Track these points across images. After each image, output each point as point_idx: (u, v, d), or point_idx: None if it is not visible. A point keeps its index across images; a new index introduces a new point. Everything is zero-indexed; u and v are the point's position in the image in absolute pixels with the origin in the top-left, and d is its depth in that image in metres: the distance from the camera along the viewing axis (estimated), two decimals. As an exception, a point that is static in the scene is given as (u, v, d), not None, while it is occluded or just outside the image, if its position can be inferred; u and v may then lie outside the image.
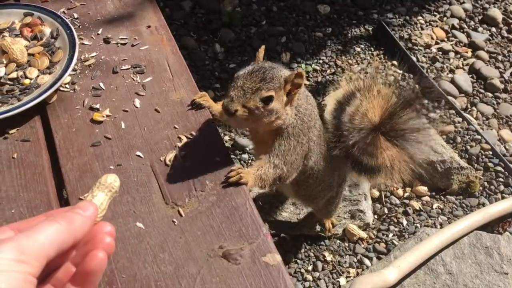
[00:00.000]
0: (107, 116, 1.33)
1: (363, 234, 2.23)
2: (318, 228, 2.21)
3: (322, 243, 2.21)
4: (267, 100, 1.24)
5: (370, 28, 3.23)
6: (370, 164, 1.62)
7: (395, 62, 3.02)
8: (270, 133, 1.35)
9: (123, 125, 1.31)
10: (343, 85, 1.33)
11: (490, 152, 2.57)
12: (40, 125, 1.31)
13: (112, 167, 1.21)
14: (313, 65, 2.98)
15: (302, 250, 2.19)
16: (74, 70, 1.44)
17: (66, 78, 1.39)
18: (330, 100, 2.59)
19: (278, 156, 1.33)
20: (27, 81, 1.36)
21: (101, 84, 1.41)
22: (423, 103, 1.57)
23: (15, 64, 1.40)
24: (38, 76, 1.38)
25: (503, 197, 2.40)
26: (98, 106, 1.35)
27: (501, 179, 2.47)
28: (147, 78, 1.44)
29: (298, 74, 1.27)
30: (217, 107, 1.41)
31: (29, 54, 1.43)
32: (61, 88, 1.39)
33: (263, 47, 1.35)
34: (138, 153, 1.25)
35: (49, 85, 1.33)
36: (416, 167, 1.62)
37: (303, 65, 2.96)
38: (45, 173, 1.19)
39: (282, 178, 1.36)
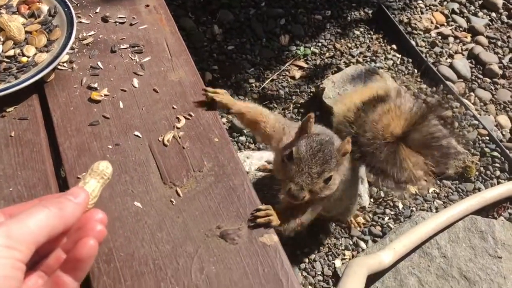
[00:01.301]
0: (105, 95, 1.32)
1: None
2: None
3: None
4: (329, 179, 1.29)
5: (370, 12, 3.21)
6: (394, 172, 1.62)
7: (394, 46, 3.01)
8: None
9: (121, 105, 1.30)
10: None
11: (487, 138, 2.58)
12: (37, 104, 1.30)
13: (110, 147, 1.21)
14: (312, 48, 2.97)
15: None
16: (72, 48, 1.43)
17: (64, 57, 1.37)
18: (329, 83, 2.59)
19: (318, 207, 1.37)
20: (24, 59, 1.35)
21: (99, 63, 1.40)
22: (442, 115, 1.59)
23: (12, 42, 1.38)
24: (35, 54, 1.37)
25: (498, 182, 2.42)
26: (96, 85, 1.34)
27: (497, 165, 2.48)
28: (145, 58, 1.43)
29: (347, 141, 1.29)
30: (237, 106, 1.39)
31: (26, 32, 1.41)
32: (59, 67, 1.38)
33: (312, 115, 1.32)
34: (136, 133, 1.24)
35: (46, 64, 1.32)
36: (442, 168, 1.64)
37: (302, 48, 2.94)
38: (43, 152, 1.19)
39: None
